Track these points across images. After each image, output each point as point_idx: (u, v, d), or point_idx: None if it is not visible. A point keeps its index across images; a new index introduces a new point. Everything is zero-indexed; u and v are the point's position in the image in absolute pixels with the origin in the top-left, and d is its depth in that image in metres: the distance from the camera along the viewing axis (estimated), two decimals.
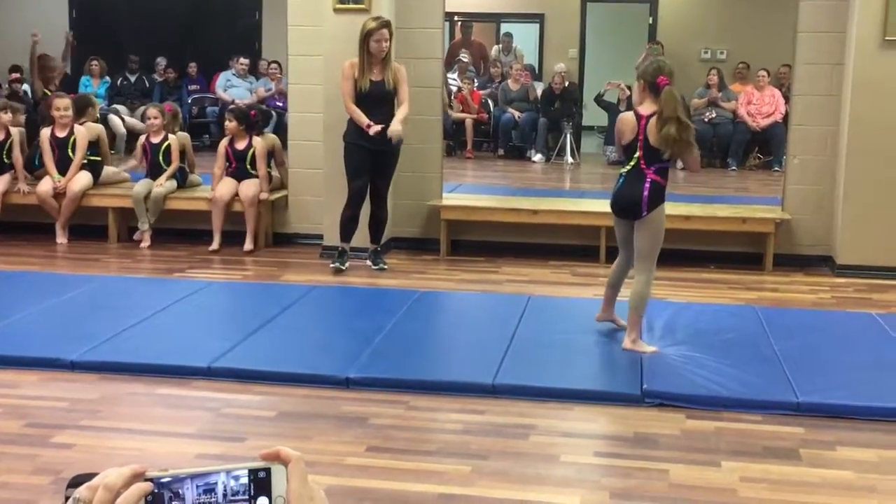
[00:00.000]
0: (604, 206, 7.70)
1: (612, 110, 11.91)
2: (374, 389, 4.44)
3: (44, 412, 4.15)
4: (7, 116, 7.65)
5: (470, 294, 6.33)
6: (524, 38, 14.69)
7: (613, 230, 5.39)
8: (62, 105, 7.81)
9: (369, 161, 6.66)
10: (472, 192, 9.14)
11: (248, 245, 7.37)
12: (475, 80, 13.20)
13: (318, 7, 7.14)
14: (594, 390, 4.44)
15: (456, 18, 14.22)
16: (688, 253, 7.11)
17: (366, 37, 6.46)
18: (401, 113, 6.63)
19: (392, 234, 7.42)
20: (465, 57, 13.47)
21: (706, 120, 12.20)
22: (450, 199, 7.75)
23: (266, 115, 8.41)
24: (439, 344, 5.35)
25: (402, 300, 5.89)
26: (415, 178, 7.47)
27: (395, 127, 6.53)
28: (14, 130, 7.72)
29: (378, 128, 6.48)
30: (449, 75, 12.52)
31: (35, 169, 7.87)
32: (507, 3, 14.92)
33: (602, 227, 7.04)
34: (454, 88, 12.86)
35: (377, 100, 6.58)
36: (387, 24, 6.52)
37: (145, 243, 7.51)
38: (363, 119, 6.54)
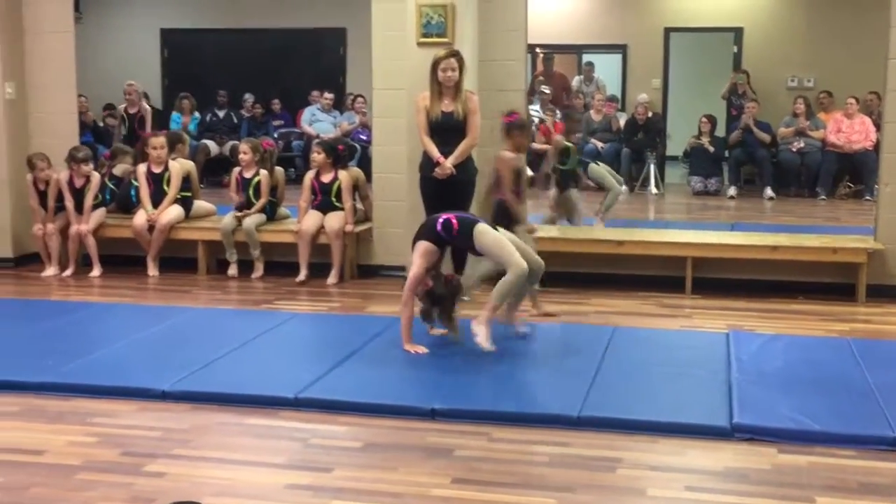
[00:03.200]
0: (689, 236, 7.65)
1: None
2: (459, 421, 4.44)
3: (138, 441, 4.24)
4: (88, 167, 7.88)
5: (555, 325, 6.30)
6: (607, 68, 14.66)
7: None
8: (157, 143, 8.04)
9: (442, 192, 6.71)
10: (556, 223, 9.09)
11: (332, 278, 7.47)
12: (557, 112, 13.20)
13: (401, 41, 7.23)
14: (682, 423, 4.38)
15: (537, 50, 14.25)
16: (776, 284, 6.99)
17: (434, 66, 6.54)
18: (461, 145, 6.65)
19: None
20: (545, 89, 13.50)
21: (794, 149, 12.01)
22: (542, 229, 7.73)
23: (353, 150, 8.52)
24: (524, 375, 5.33)
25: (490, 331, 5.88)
26: None
27: (445, 164, 6.58)
28: (94, 175, 7.94)
29: (443, 172, 6.57)
30: (530, 107, 12.54)
31: (133, 205, 8.10)
32: (590, 34, 14.90)
33: (688, 258, 6.96)
34: (536, 120, 12.88)
35: (448, 130, 6.64)
36: (455, 54, 6.57)
37: (257, 274, 7.68)
38: (435, 152, 6.62)
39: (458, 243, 5.57)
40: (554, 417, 4.44)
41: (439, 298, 5.50)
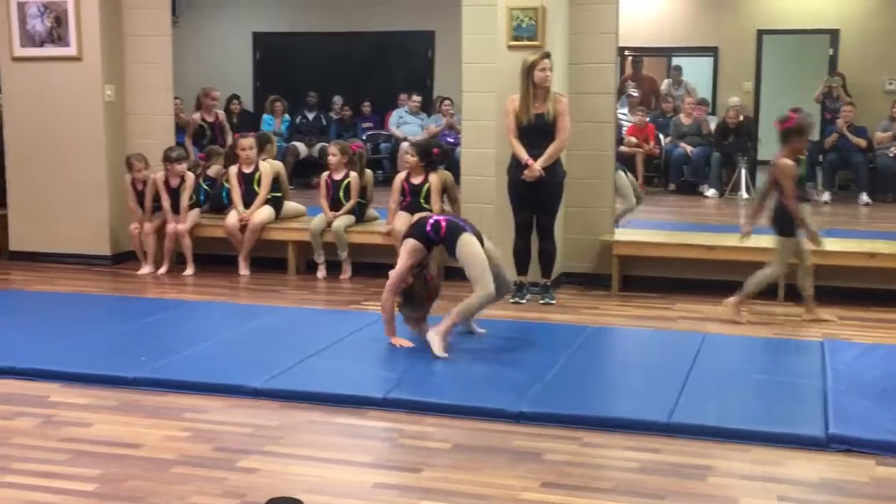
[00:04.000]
0: None
1: None
2: (547, 424, 4.42)
3: (229, 437, 4.32)
4: (181, 167, 8.05)
5: (643, 330, 6.24)
6: (697, 71, 14.48)
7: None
8: (247, 144, 8.18)
9: (530, 195, 6.72)
10: (643, 227, 9.02)
11: None
12: (646, 114, 13.08)
13: (491, 44, 7.24)
14: (775, 432, 4.29)
15: (626, 53, 14.14)
16: (873, 292, 6.81)
17: (530, 68, 6.59)
18: (551, 148, 6.67)
19: (563, 269, 7.40)
20: (634, 91, 13.38)
21: (891, 154, 11.70)
22: (622, 234, 7.68)
23: (447, 153, 8.53)
24: (613, 380, 5.29)
25: (573, 335, 5.86)
26: (586, 213, 7.45)
27: (534, 167, 6.60)
28: (189, 175, 8.11)
29: (532, 175, 6.59)
30: (619, 110, 12.45)
31: (225, 206, 8.25)
32: (680, 37, 14.74)
33: None
34: (624, 123, 12.77)
35: (539, 132, 6.67)
36: (548, 55, 6.64)
37: (345, 275, 7.76)
38: (523, 155, 6.65)
39: (443, 245, 5.62)
40: (644, 423, 4.39)
41: (415, 297, 5.58)
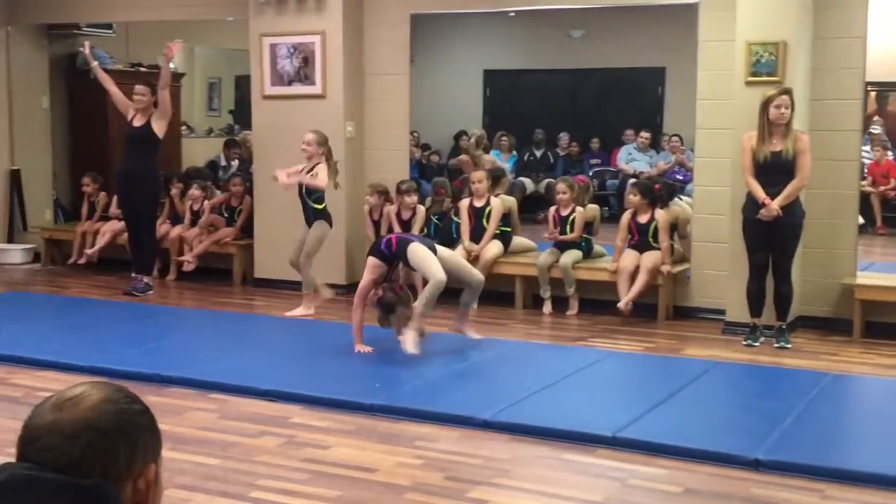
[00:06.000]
0: None
1: None
2: (786, 474, 4.25)
3: (460, 467, 4.39)
4: (410, 199, 8.26)
5: (889, 380, 5.90)
6: None
7: None
8: (477, 177, 8.34)
9: (767, 235, 6.52)
10: (887, 270, 8.55)
11: (621, 304, 7.39)
12: (889, 152, 12.40)
13: (727, 80, 7.09)
14: None
15: (869, 88, 13.48)
16: None
17: (766, 104, 6.43)
18: (790, 187, 6.45)
19: (799, 313, 7.11)
20: (876, 128, 12.73)
21: None
22: (864, 277, 7.30)
23: (670, 189, 8.43)
24: (855, 431, 5.03)
25: (811, 382, 5.62)
26: (825, 255, 7.14)
27: (771, 206, 6.40)
28: (420, 208, 8.33)
29: (769, 214, 6.41)
30: (862, 148, 11.88)
31: (453, 240, 8.43)
32: None
33: None
34: (866, 160, 12.16)
35: (775, 170, 6.46)
36: (787, 91, 6.45)
37: (571, 311, 7.77)
38: (760, 193, 6.46)
39: (398, 258, 6.21)
40: (891, 479, 4.14)
41: (389, 306, 6.15)
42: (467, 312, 6.58)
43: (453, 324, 6.61)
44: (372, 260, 6.24)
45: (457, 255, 6.73)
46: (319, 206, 7.52)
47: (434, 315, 6.41)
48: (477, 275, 6.54)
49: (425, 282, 6.23)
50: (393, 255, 6.21)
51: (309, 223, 7.55)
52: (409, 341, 6.05)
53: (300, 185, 7.49)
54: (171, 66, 8.65)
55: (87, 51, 8.56)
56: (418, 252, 6.15)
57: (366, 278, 6.23)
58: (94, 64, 8.51)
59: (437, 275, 6.05)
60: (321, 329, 7.20)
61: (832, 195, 7.09)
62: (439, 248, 6.37)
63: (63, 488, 1.35)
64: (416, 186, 8.78)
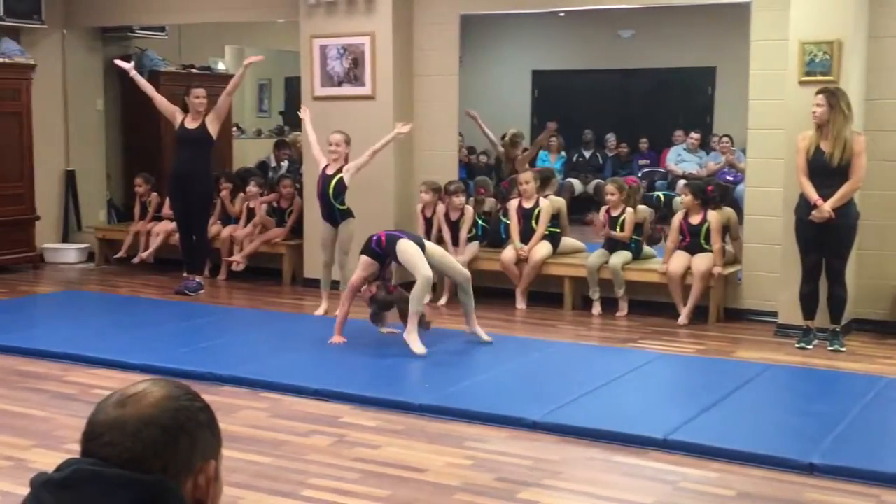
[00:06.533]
0: None
1: None
2: (841, 479, 4.19)
3: (510, 468, 4.38)
4: (458, 200, 8.27)
5: None
6: None
7: None
8: (524, 179, 8.32)
9: (819, 236, 6.43)
10: None
11: (682, 318, 7.34)
12: None
13: (780, 79, 7.01)
14: None
15: None
16: None
17: None
18: (843, 188, 6.37)
19: (854, 315, 7.02)
20: None
21: None
22: None
23: (724, 191, 8.36)
24: None
25: (866, 386, 5.55)
26: (882, 257, 7.04)
27: (824, 207, 6.31)
28: (468, 209, 8.33)
29: (821, 216, 6.34)
30: None
31: (501, 240, 8.43)
32: None
33: None
34: None
35: (825, 172, 6.37)
36: (824, 91, 6.38)
37: (621, 312, 7.72)
38: (812, 194, 6.39)
39: (388, 255, 6.36)
40: None
41: (382, 304, 6.44)
42: (471, 313, 6.56)
43: (466, 327, 6.63)
44: (364, 258, 6.41)
45: (443, 251, 6.84)
46: (344, 207, 7.60)
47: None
48: (462, 270, 6.63)
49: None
50: (384, 252, 6.37)
51: (335, 223, 7.61)
52: (413, 343, 6.12)
53: (326, 188, 7.54)
54: (222, 67, 8.74)
55: (125, 65, 8.61)
56: (407, 249, 6.30)
57: (357, 275, 6.43)
58: (134, 74, 8.59)
59: (424, 272, 6.20)
60: (369, 330, 7.21)
61: (888, 196, 6.98)
62: (427, 243, 6.56)
63: (127, 484, 1.37)
64: (465, 187, 8.78)
